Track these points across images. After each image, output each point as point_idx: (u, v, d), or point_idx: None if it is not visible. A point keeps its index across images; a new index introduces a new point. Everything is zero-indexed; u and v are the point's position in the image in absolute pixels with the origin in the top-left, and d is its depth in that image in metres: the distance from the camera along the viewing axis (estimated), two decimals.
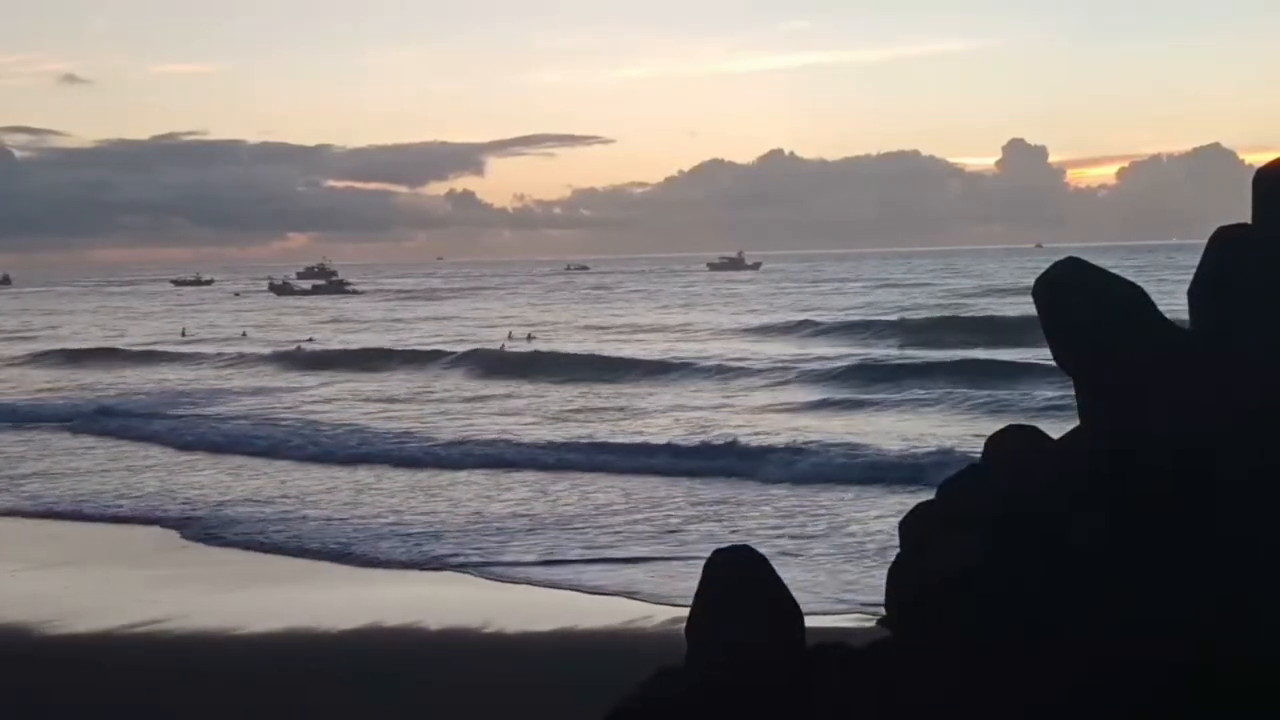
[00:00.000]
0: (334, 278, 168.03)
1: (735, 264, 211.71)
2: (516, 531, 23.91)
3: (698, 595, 7.35)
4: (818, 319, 79.86)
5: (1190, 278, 7.23)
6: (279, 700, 14.23)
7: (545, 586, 19.97)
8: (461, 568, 21.35)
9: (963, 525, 7.00)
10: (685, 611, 7.52)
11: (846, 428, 36.52)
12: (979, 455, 7.56)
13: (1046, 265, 7.35)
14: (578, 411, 42.42)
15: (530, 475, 30.20)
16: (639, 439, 34.65)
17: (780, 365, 53.80)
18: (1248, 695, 6.35)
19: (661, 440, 34.07)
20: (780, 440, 33.14)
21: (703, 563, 7.50)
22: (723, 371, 53.11)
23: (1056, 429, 7.61)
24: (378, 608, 18.35)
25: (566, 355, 60.57)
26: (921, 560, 7.06)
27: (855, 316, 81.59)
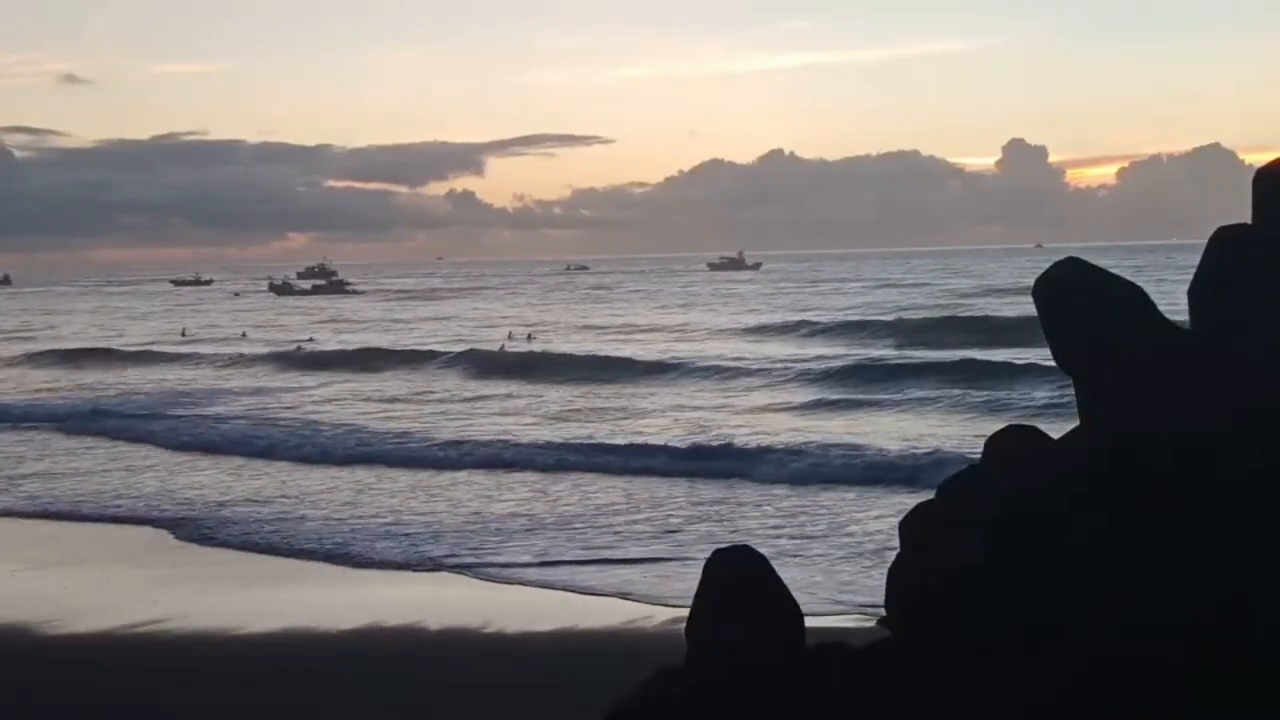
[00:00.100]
0: (334, 278, 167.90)
1: (735, 264, 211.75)
2: (515, 532, 23.91)
3: (698, 595, 7.35)
4: (817, 319, 79.84)
5: (1190, 278, 7.23)
6: (279, 700, 14.23)
7: (544, 587, 19.96)
8: (460, 568, 21.35)
9: (963, 525, 7.00)
10: (685, 611, 7.52)
11: (845, 428, 36.52)
12: (978, 455, 7.56)
13: (1046, 265, 7.35)
14: (577, 412, 42.41)
15: (529, 476, 30.20)
16: (638, 439, 34.64)
17: (779, 365, 53.77)
18: (1248, 695, 6.35)
19: (660, 440, 34.08)
20: (779, 440, 33.14)
21: (702, 563, 7.50)
22: (721, 372, 53.10)
23: (1056, 429, 7.61)
24: (377, 608, 18.35)
25: (566, 355, 60.57)
26: (921, 560, 7.06)
27: (854, 316, 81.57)
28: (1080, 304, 7.12)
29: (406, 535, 23.75)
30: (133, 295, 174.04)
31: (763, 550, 7.60)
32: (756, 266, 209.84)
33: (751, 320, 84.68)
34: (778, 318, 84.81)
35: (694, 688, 6.99)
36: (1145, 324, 7.10)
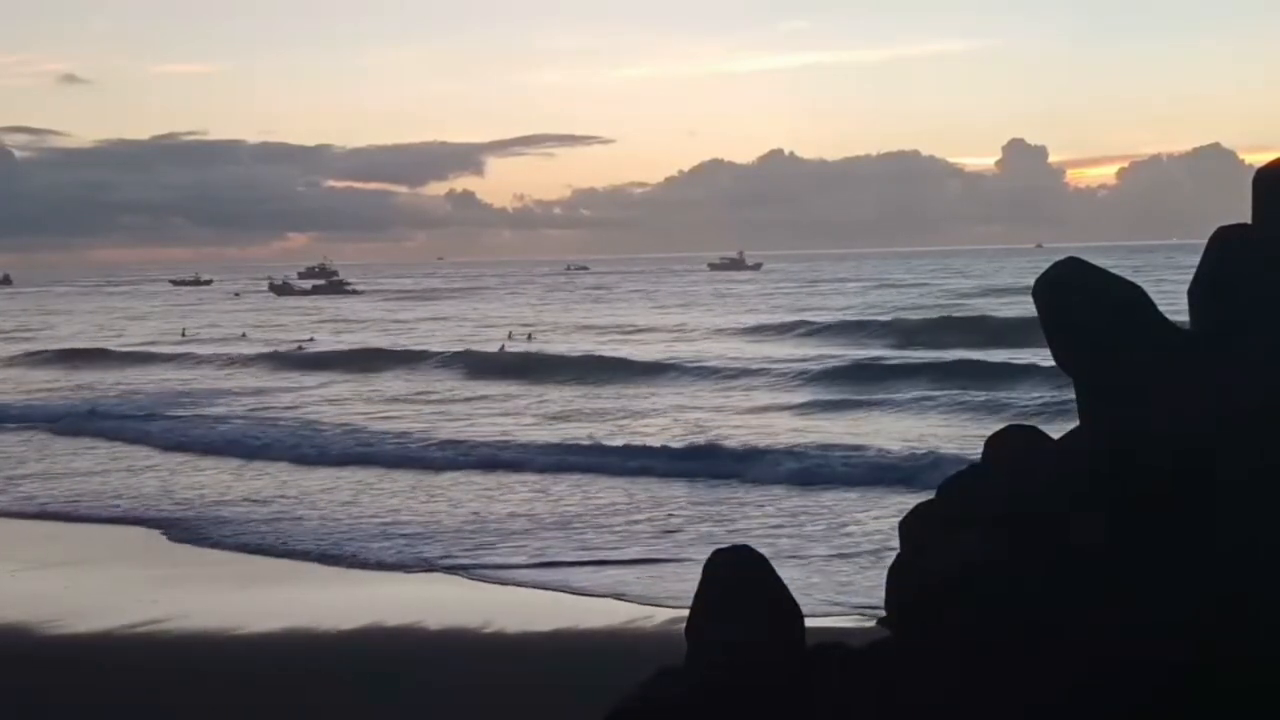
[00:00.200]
0: (334, 278, 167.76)
1: (736, 264, 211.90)
2: (514, 533, 23.90)
3: (698, 595, 7.35)
4: (817, 319, 79.83)
5: (1190, 278, 7.23)
6: (279, 700, 14.22)
7: (544, 588, 19.95)
8: (459, 569, 21.33)
9: (963, 525, 7.00)
10: (685, 612, 7.52)
11: (845, 428, 36.53)
12: (978, 455, 7.56)
13: (1046, 265, 7.35)
14: (577, 412, 42.41)
15: (529, 476, 30.18)
16: (637, 440, 34.62)
17: (779, 366, 53.77)
18: (1248, 695, 6.35)
19: (660, 441, 34.07)
20: (779, 441, 33.14)
21: (701, 564, 7.50)
22: (720, 372, 53.09)
23: (1056, 429, 7.61)
24: (377, 608, 18.35)
25: (566, 356, 60.58)
26: (921, 560, 7.06)
27: (853, 317, 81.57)
28: (1080, 304, 7.11)
29: (405, 536, 23.74)
30: (132, 295, 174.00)
31: (762, 550, 7.60)
32: (757, 267, 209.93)
33: (751, 321, 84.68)
34: (777, 318, 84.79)
35: (694, 688, 6.98)
36: (1145, 324, 7.10)
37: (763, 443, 32.74)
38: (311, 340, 78.31)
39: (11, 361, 70.35)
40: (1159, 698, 6.40)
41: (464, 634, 16.97)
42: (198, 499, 27.88)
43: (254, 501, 27.53)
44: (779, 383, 49.72)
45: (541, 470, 30.74)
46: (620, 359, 58.42)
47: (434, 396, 48.73)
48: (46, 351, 74.03)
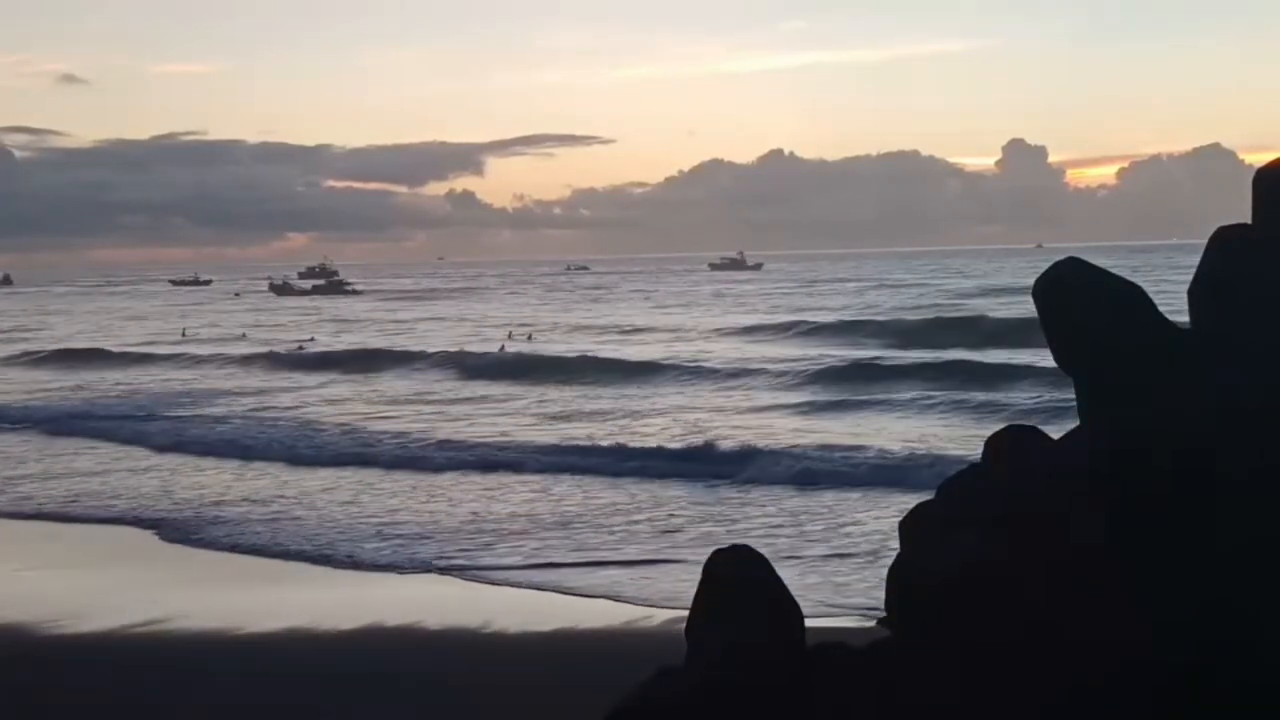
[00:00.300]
0: (334, 278, 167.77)
1: (736, 264, 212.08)
2: (513, 533, 23.91)
3: (698, 595, 7.34)
4: (816, 319, 79.87)
5: (1190, 278, 7.23)
6: (279, 700, 14.22)
7: (543, 588, 19.95)
8: (456, 570, 21.32)
9: (963, 525, 6.99)
10: (684, 612, 7.52)
11: (844, 428, 36.53)
12: (977, 455, 7.56)
13: (1046, 265, 7.35)
14: (576, 412, 42.41)
15: (528, 476, 30.18)
16: (637, 440, 34.63)
17: (778, 366, 53.77)
18: (1248, 695, 6.35)
19: (659, 441, 34.08)
20: (778, 441, 33.14)
21: (700, 564, 7.50)
22: (720, 372, 53.09)
23: (1056, 429, 7.61)
24: (377, 608, 18.35)
25: (565, 356, 60.58)
26: (921, 560, 7.06)
27: (853, 317, 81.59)
28: (1080, 304, 7.11)
29: (404, 536, 23.74)
30: (132, 295, 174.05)
31: (762, 550, 7.59)
32: (758, 267, 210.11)
33: (750, 321, 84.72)
34: (777, 318, 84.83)
35: (694, 688, 6.98)
36: (1145, 324, 7.10)
37: (762, 443, 32.72)
38: (311, 340, 78.32)
39: (10, 361, 70.34)
40: (1159, 698, 6.40)
41: (463, 634, 16.96)
42: (197, 499, 27.87)
43: (253, 502, 27.53)
44: (778, 383, 49.72)
45: (541, 471, 30.74)
46: (620, 359, 58.44)
47: (433, 397, 48.71)
48: (47, 352, 74.02)
